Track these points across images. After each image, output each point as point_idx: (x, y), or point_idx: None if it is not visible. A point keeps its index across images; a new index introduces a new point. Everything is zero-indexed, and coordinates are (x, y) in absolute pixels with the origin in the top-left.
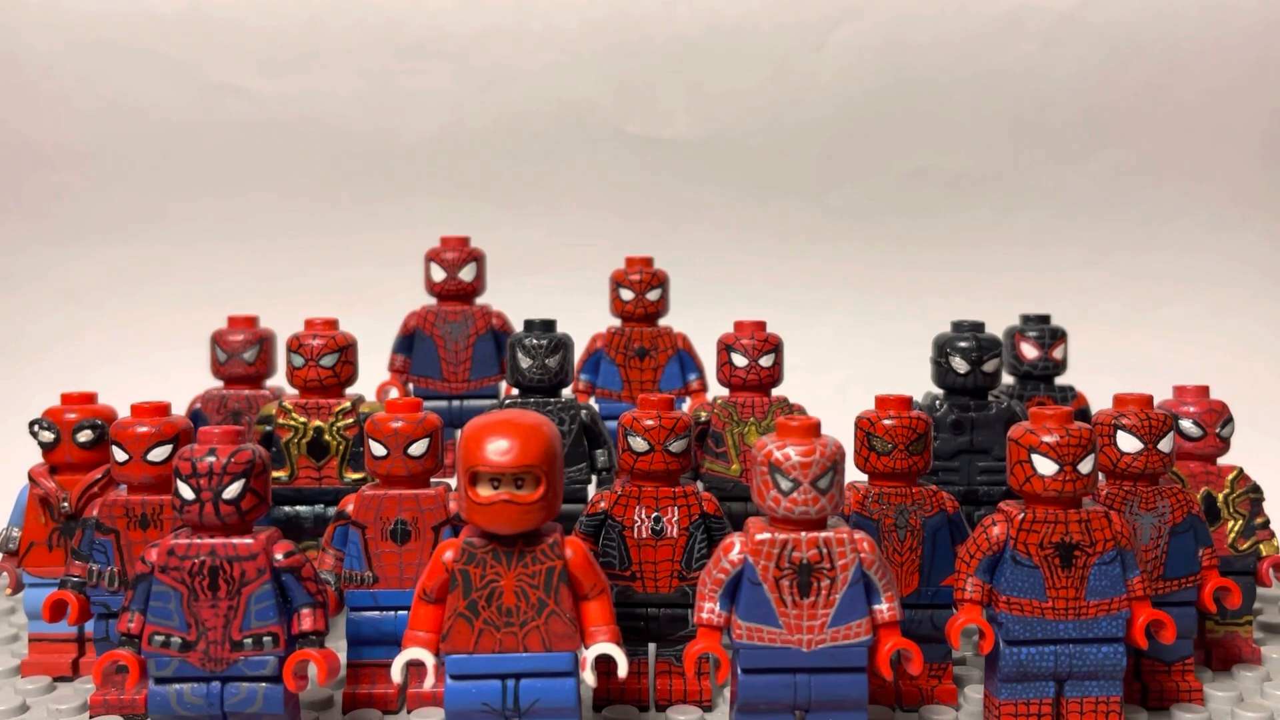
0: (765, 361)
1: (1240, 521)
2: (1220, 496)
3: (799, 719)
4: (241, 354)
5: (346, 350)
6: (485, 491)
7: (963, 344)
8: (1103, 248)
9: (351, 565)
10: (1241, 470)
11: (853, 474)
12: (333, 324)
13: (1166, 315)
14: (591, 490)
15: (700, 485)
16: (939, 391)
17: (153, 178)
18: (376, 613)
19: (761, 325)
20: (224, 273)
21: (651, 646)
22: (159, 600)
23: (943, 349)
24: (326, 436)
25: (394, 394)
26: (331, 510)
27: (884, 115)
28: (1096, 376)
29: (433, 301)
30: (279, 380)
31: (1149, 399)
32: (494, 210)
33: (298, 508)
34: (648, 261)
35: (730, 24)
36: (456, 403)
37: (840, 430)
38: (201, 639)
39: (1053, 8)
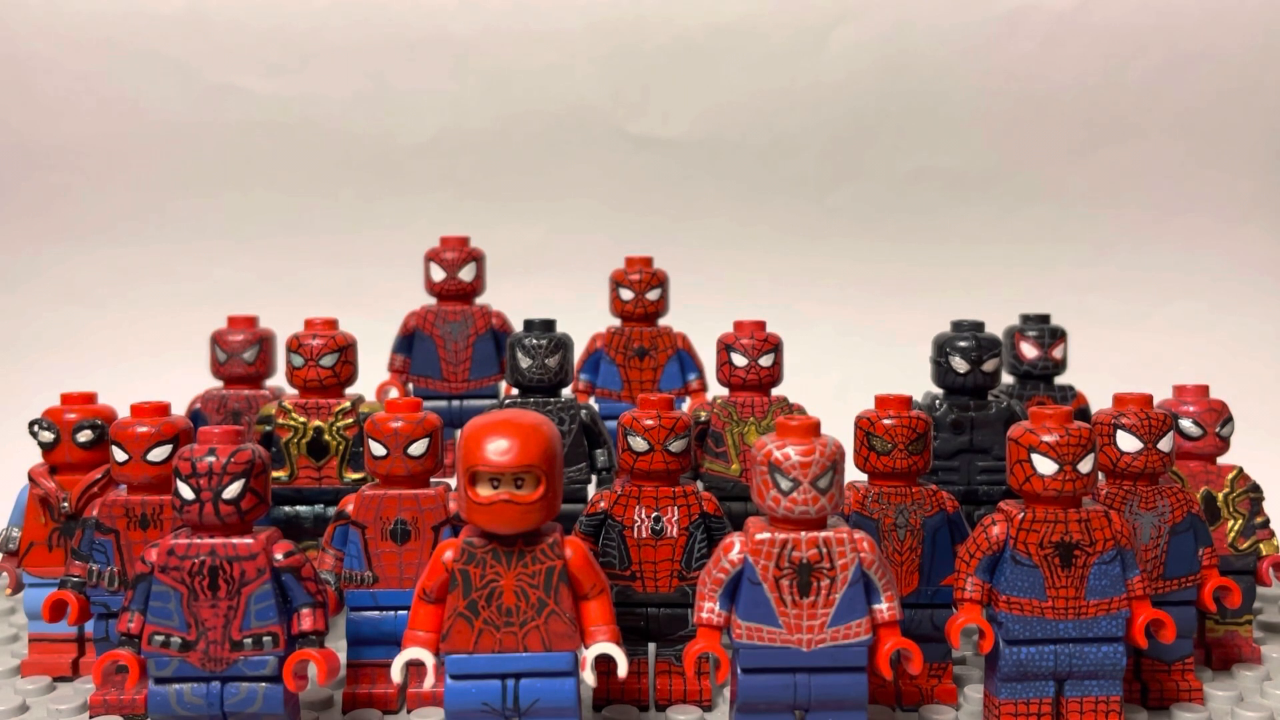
0: (765, 361)
1: (1240, 521)
2: (1220, 496)
3: (799, 719)
4: (241, 354)
5: (346, 350)
6: (485, 491)
7: (963, 344)
8: (1102, 247)
9: (351, 565)
10: (1241, 470)
11: (853, 474)
12: (333, 324)
13: (1166, 315)
14: (591, 490)
15: (700, 485)
16: (939, 391)
17: (153, 178)
18: (376, 613)
19: (761, 325)
20: (224, 273)
21: (651, 646)
22: (159, 600)
23: (943, 349)
24: (326, 436)
25: (394, 394)
26: (331, 510)
27: (884, 115)
28: (1096, 376)
29: (433, 301)
30: (279, 380)
31: (1149, 398)
32: (494, 210)
33: (298, 508)
34: (648, 261)
35: (730, 24)
36: (456, 403)
37: (840, 430)
38: (201, 639)
39: (1053, 8)
